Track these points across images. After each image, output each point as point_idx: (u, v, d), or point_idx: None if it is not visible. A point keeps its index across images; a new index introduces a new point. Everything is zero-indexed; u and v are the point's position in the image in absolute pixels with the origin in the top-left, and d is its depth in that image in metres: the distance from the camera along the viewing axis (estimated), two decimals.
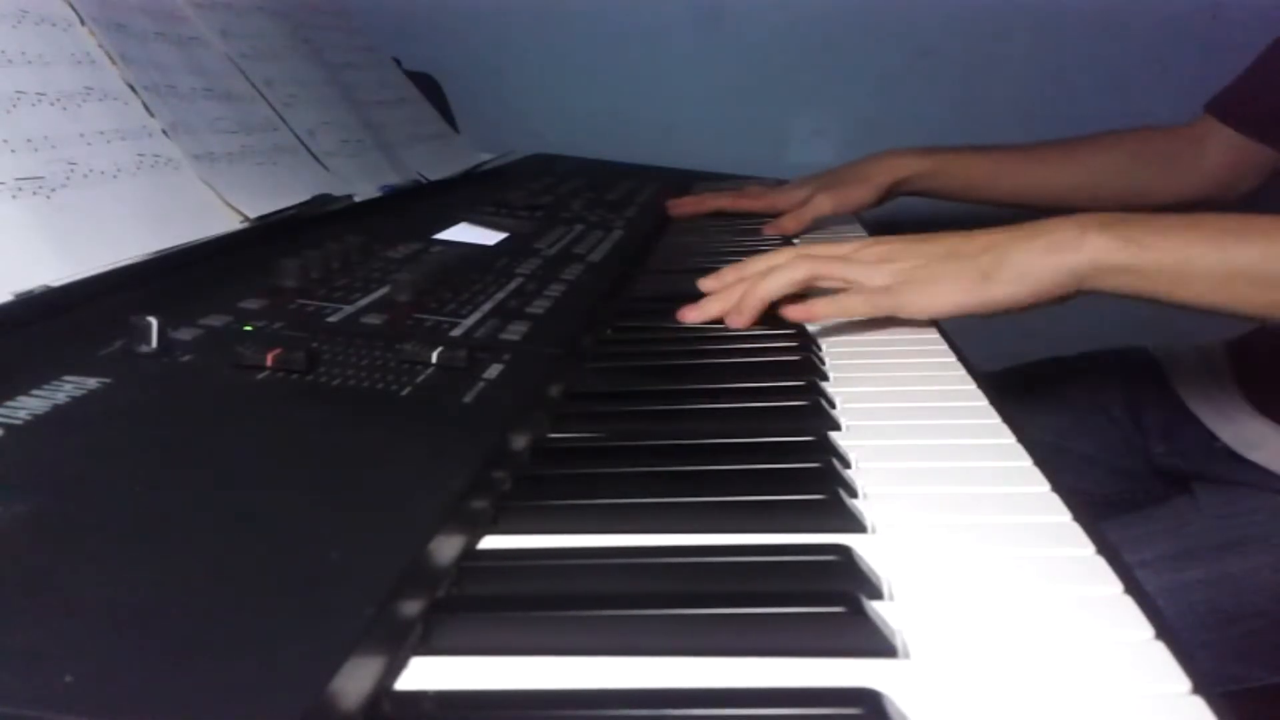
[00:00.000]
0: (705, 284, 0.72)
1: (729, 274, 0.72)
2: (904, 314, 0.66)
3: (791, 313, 0.68)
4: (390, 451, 0.43)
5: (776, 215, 1.07)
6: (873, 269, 0.67)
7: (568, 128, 1.56)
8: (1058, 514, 0.41)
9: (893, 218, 1.12)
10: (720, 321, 0.69)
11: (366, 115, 1.07)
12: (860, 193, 1.07)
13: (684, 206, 1.15)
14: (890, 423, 0.53)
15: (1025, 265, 0.62)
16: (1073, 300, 0.64)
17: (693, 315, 0.70)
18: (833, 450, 0.47)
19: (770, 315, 0.69)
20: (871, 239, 0.70)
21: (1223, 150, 1.04)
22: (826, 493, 0.42)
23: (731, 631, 0.33)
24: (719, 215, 1.14)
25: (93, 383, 0.45)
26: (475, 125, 1.42)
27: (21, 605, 0.29)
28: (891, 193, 1.08)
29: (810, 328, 0.69)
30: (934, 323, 0.68)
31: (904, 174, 1.07)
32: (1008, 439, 0.50)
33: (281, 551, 0.33)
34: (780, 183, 1.27)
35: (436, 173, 1.11)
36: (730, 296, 0.69)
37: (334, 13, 1.16)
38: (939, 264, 0.65)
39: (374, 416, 0.46)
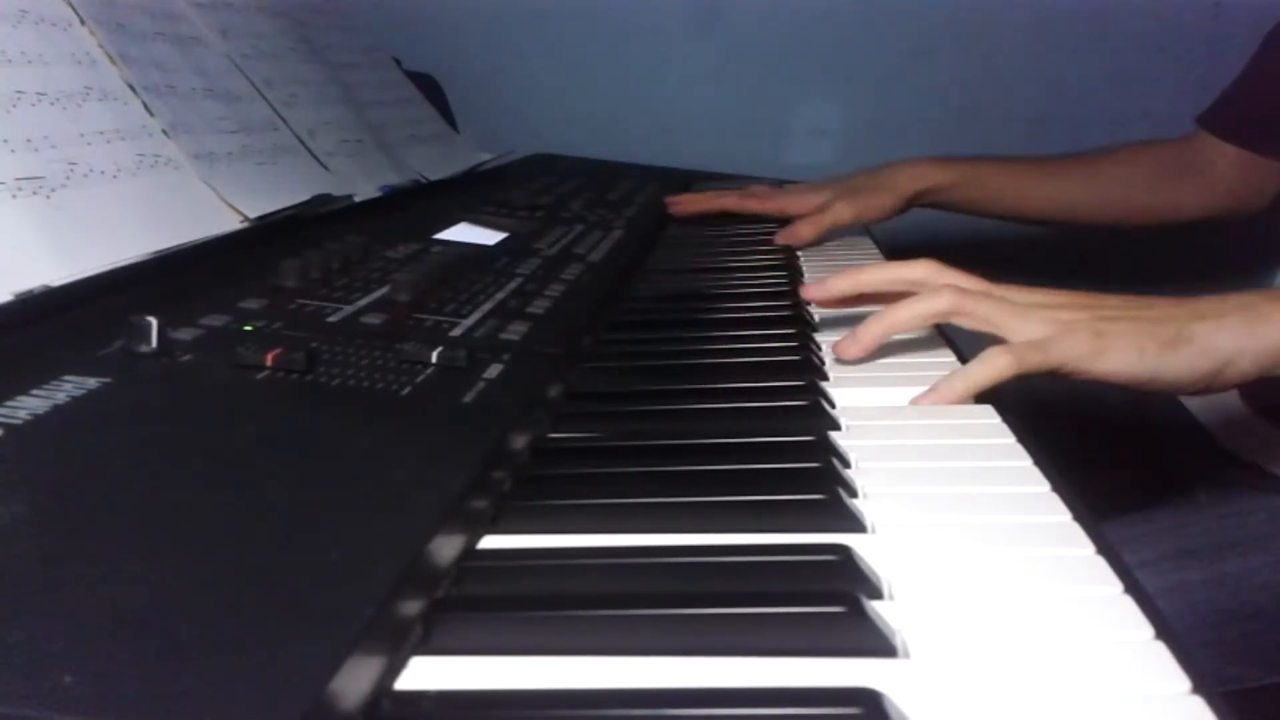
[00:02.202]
0: (813, 292, 0.65)
1: (850, 283, 0.63)
2: (1061, 368, 0.56)
3: (937, 395, 0.55)
4: (390, 451, 0.43)
5: (785, 219, 1.02)
6: (1028, 315, 0.57)
7: (568, 128, 1.56)
8: (1058, 514, 0.41)
9: (893, 227, 1.10)
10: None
11: (366, 115, 1.07)
12: (881, 202, 1.02)
13: (685, 205, 1.10)
14: (890, 423, 0.53)
15: (1213, 341, 0.55)
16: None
17: (815, 293, 0.64)
18: (833, 450, 0.47)
19: (770, 315, 0.69)
20: (1018, 285, 0.60)
21: (1227, 163, 1.04)
22: (826, 493, 0.42)
23: (731, 631, 0.33)
24: (722, 215, 1.10)
25: (93, 383, 0.45)
26: (475, 125, 1.42)
27: (21, 605, 0.29)
28: (912, 203, 1.04)
29: (812, 324, 0.69)
30: (940, 330, 0.67)
31: (928, 184, 1.03)
32: (1008, 439, 0.50)
33: (281, 551, 0.33)
34: (781, 183, 1.26)
35: (436, 173, 1.11)
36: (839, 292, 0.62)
37: (334, 13, 1.16)
38: (1112, 322, 0.56)
39: (374, 416, 0.46)
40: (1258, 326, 0.55)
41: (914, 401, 0.55)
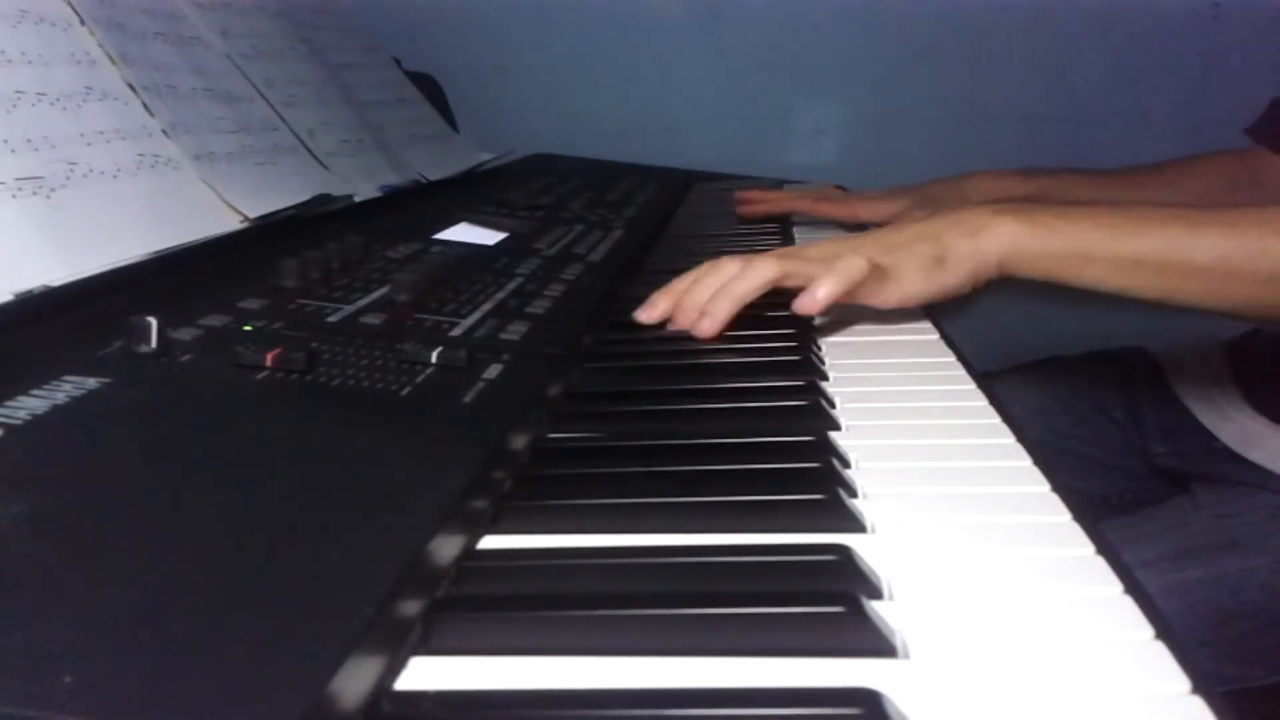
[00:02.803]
0: (653, 310, 0.69)
1: (685, 282, 0.68)
2: (877, 303, 0.66)
3: (800, 304, 0.65)
4: (390, 451, 0.43)
5: (858, 225, 1.03)
6: (831, 266, 0.65)
7: (568, 128, 1.56)
8: (1058, 514, 0.41)
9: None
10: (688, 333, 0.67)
11: (366, 115, 1.07)
12: None
13: (756, 206, 1.11)
14: (890, 423, 0.53)
15: (962, 251, 0.65)
16: (988, 291, 0.66)
17: (644, 315, 0.68)
18: (833, 450, 0.47)
19: (770, 314, 0.69)
20: (811, 243, 0.70)
21: (1278, 175, 1.03)
22: (826, 493, 0.42)
23: (731, 631, 0.33)
24: (722, 216, 1.11)
25: (93, 383, 0.45)
26: (475, 125, 1.43)
27: (21, 605, 0.29)
28: None
29: (812, 324, 0.69)
30: (934, 325, 0.67)
31: (1003, 196, 1.03)
32: (1008, 439, 0.50)
33: (281, 551, 0.33)
34: (781, 184, 1.27)
35: (436, 173, 1.11)
36: (701, 294, 0.66)
37: (334, 13, 1.16)
38: (891, 253, 0.66)
39: (374, 416, 0.46)
40: (980, 237, 0.65)
41: (796, 308, 0.64)
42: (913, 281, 0.66)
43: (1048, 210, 0.65)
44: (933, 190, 1.06)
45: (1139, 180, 1.07)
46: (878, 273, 0.65)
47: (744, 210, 1.10)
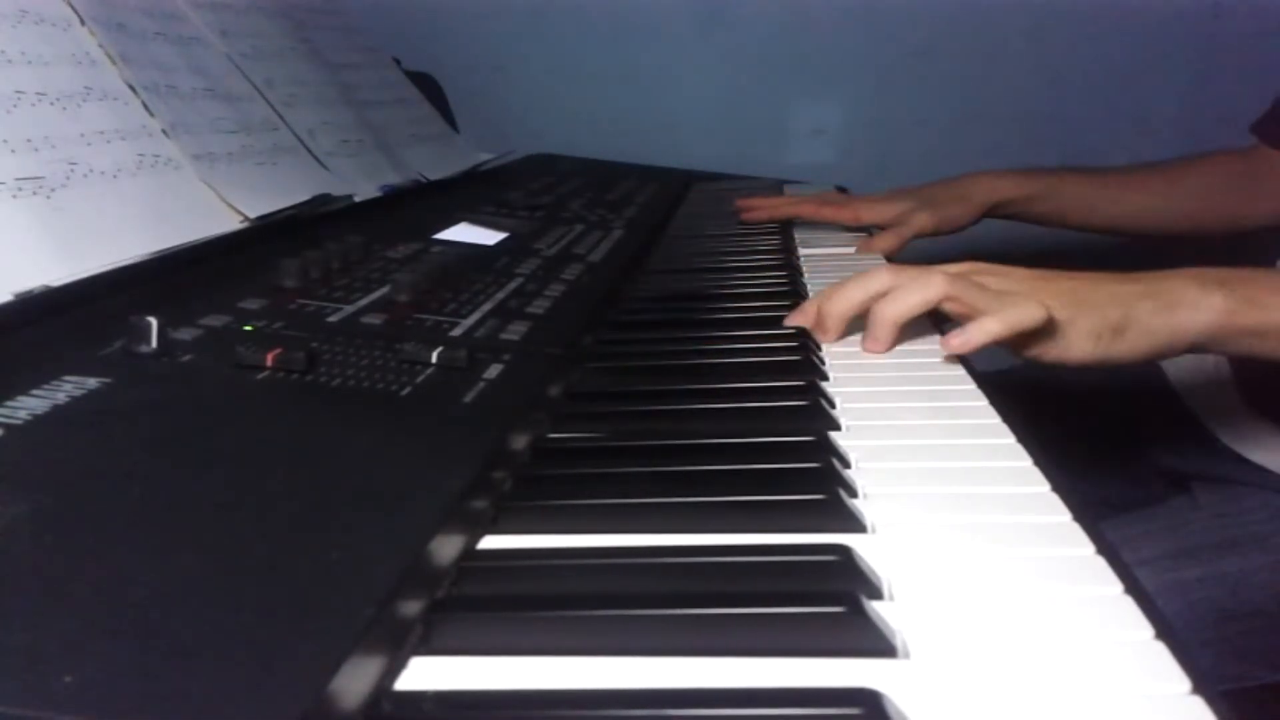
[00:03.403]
0: (802, 316, 0.68)
1: (834, 291, 0.66)
2: (1029, 355, 0.62)
3: (953, 342, 0.60)
4: (390, 451, 0.43)
5: (861, 228, 1.03)
6: (1009, 300, 0.61)
7: (568, 128, 1.56)
8: (1058, 514, 0.41)
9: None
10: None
11: (366, 115, 1.07)
12: (960, 212, 1.03)
13: (759, 211, 1.10)
14: (890, 423, 0.53)
15: (1150, 324, 0.60)
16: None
17: (793, 320, 0.67)
18: (833, 450, 0.47)
19: (770, 315, 0.69)
20: (982, 265, 0.65)
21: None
22: (826, 493, 0.42)
23: (731, 631, 0.33)
24: (722, 217, 1.10)
25: (93, 383, 0.45)
26: (475, 125, 1.43)
27: (21, 605, 0.29)
28: (987, 214, 1.05)
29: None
30: (933, 321, 0.67)
31: (1005, 196, 1.04)
32: (1008, 439, 0.50)
33: (282, 551, 0.33)
34: (781, 185, 1.26)
35: (436, 173, 1.11)
36: (846, 302, 0.65)
37: (334, 13, 1.16)
38: (1072, 310, 0.61)
39: (374, 416, 0.46)
40: (1178, 312, 0.60)
41: (947, 345, 0.60)
42: (1080, 345, 0.61)
43: (1256, 282, 0.61)
44: (934, 192, 1.05)
45: (1141, 179, 1.07)
46: (1048, 325, 0.60)
47: (747, 216, 1.09)
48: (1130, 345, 0.61)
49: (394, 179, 1.02)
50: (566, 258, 0.81)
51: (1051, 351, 0.61)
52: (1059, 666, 0.31)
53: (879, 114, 1.55)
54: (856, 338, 0.68)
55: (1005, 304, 0.60)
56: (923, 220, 1.00)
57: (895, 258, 0.98)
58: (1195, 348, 0.62)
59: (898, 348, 0.65)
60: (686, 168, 1.43)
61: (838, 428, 0.52)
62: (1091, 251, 1.31)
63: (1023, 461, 0.47)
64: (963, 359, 0.62)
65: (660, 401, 0.56)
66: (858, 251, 0.99)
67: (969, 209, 1.03)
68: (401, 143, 1.11)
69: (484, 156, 1.28)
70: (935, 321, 0.69)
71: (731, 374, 0.62)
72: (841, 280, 0.66)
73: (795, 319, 0.68)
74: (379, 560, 0.33)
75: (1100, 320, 0.61)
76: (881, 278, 0.64)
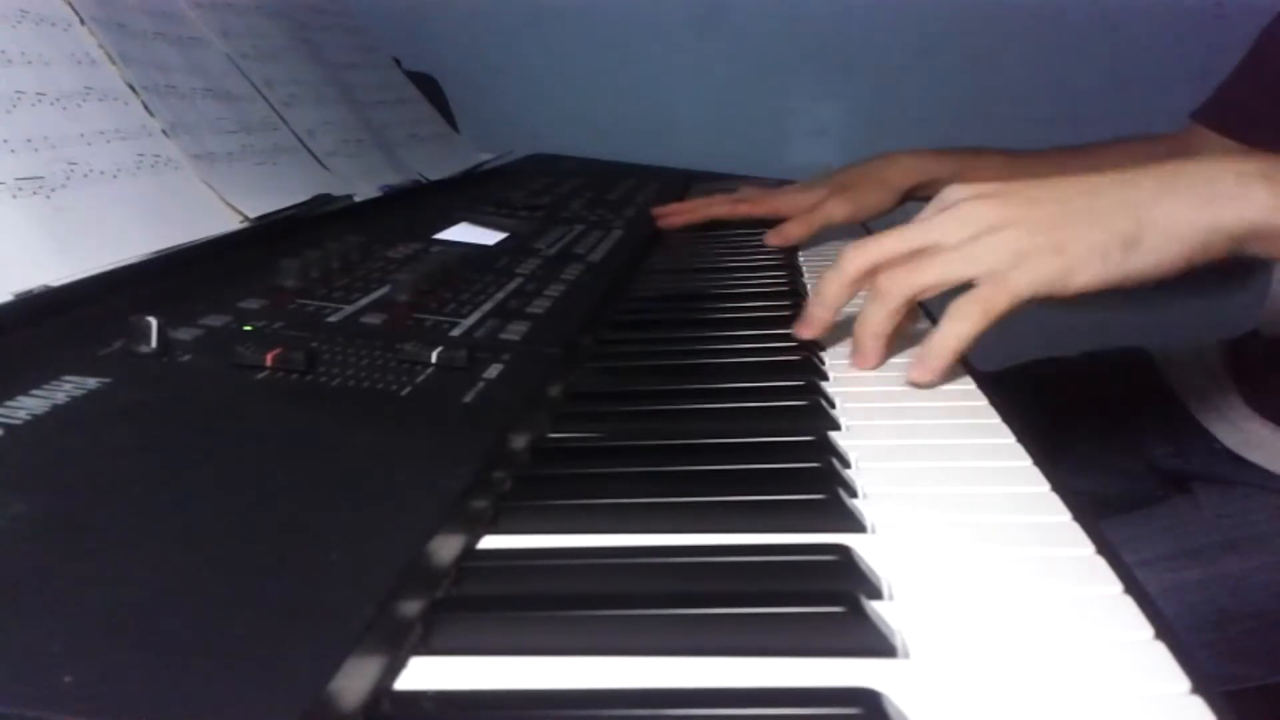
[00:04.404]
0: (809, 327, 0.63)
1: (827, 312, 0.62)
2: (1030, 299, 0.53)
3: (924, 369, 0.55)
4: (390, 451, 0.43)
5: (781, 220, 0.98)
6: (976, 254, 0.53)
7: (568, 128, 1.56)
8: (1058, 514, 0.41)
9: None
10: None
11: (366, 115, 1.07)
12: (878, 197, 0.99)
13: (674, 217, 1.04)
14: (890, 423, 0.53)
15: (1174, 225, 0.51)
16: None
17: (807, 332, 0.63)
18: (833, 450, 0.47)
19: (770, 315, 0.69)
20: (956, 201, 0.56)
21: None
22: (826, 493, 0.42)
23: (731, 631, 0.33)
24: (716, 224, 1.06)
25: (93, 383, 0.45)
26: (475, 125, 1.42)
27: (21, 605, 0.29)
28: (909, 197, 1.01)
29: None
30: (934, 325, 0.66)
31: (924, 177, 1.00)
32: (1008, 439, 0.50)
33: (281, 551, 0.33)
34: (780, 184, 1.26)
35: (436, 173, 1.11)
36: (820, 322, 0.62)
37: (334, 13, 1.16)
38: (1066, 229, 0.52)
39: (374, 416, 0.46)
40: (1209, 207, 0.51)
41: (910, 381, 0.54)
42: (1085, 270, 0.51)
43: None
44: (849, 177, 1.01)
45: (1060, 158, 1.05)
46: (1036, 261, 0.51)
47: (663, 224, 1.04)
48: (1152, 255, 0.51)
49: (394, 179, 1.02)
50: (566, 258, 0.81)
51: (1055, 289, 0.51)
52: (1059, 666, 0.31)
53: (879, 114, 1.55)
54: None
55: (977, 257, 0.52)
56: (833, 208, 0.96)
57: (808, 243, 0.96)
58: (1229, 250, 0.52)
59: (897, 348, 0.64)
60: (686, 168, 1.43)
61: (838, 428, 0.52)
62: None
63: (1023, 461, 0.47)
64: (962, 358, 0.62)
65: (660, 401, 0.56)
66: (767, 241, 0.95)
67: (886, 194, 0.99)
68: (401, 143, 1.11)
69: (484, 156, 1.28)
70: (932, 318, 0.68)
71: (731, 374, 0.62)
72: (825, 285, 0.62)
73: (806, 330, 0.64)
74: (379, 560, 0.33)
75: (1106, 233, 0.51)
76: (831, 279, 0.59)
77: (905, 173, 1.00)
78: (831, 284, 0.61)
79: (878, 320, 0.57)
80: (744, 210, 1.03)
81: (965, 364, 0.62)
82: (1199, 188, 0.51)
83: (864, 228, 1.06)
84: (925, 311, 0.66)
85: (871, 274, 0.59)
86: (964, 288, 0.54)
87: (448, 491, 0.39)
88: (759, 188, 1.09)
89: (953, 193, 0.57)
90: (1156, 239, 0.51)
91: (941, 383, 0.57)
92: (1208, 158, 0.54)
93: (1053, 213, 0.53)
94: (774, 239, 0.96)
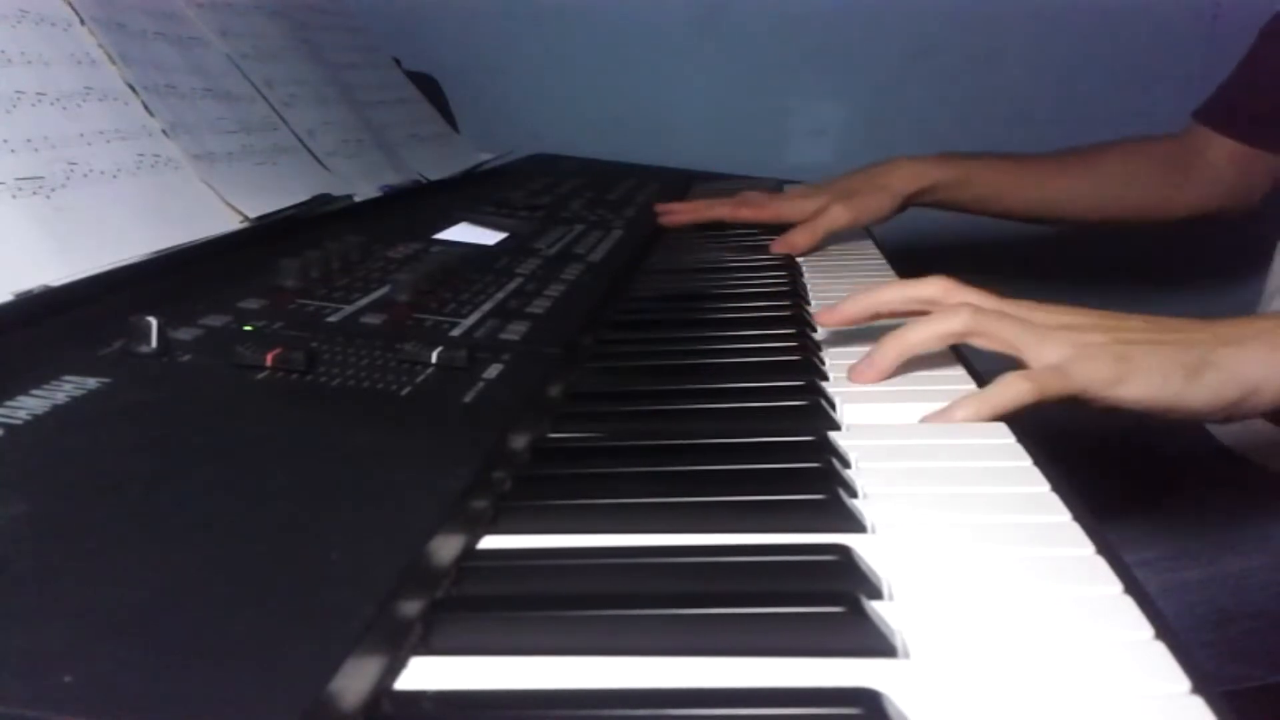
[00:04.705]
0: (827, 318, 0.63)
1: (862, 306, 0.61)
2: (1082, 394, 0.53)
3: (949, 416, 0.53)
4: (390, 451, 0.43)
5: (782, 225, 0.98)
6: (1047, 336, 0.54)
7: (568, 128, 1.56)
8: (1058, 514, 0.41)
9: (892, 226, 1.09)
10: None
11: (366, 115, 1.07)
12: (880, 203, 0.99)
13: (677, 215, 1.05)
14: (890, 423, 0.53)
15: (1238, 368, 0.53)
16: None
17: (830, 319, 0.62)
18: (833, 450, 0.47)
19: (770, 315, 0.69)
20: (1037, 303, 0.58)
21: (1223, 158, 1.04)
22: (826, 493, 0.42)
23: (731, 631, 0.33)
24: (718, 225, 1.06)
25: (93, 383, 0.45)
26: (475, 125, 1.42)
27: (21, 605, 0.29)
28: (909, 203, 1.02)
29: (812, 325, 0.69)
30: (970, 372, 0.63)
31: (926, 183, 1.01)
32: (1008, 439, 0.50)
33: (281, 551, 0.33)
34: (780, 184, 1.26)
35: (436, 173, 1.11)
36: (851, 318, 0.61)
37: (334, 13, 1.16)
38: (1135, 345, 0.53)
39: (374, 416, 0.46)
40: (1275, 356, 0.53)
41: (926, 419, 0.54)
42: (1146, 383, 0.52)
43: None
44: (852, 182, 1.01)
45: (1062, 163, 1.06)
46: (1100, 359, 0.53)
47: (665, 221, 1.05)
48: (1209, 389, 0.52)
49: (394, 179, 1.02)
50: (566, 258, 0.81)
51: (1108, 391, 0.52)
52: (1059, 666, 0.31)
53: (879, 114, 1.55)
54: (858, 340, 0.68)
55: (1045, 341, 0.53)
56: (837, 214, 0.96)
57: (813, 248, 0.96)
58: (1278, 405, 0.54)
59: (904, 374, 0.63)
60: (686, 168, 1.43)
61: (838, 428, 0.52)
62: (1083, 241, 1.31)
63: (1023, 461, 0.47)
64: (963, 359, 0.62)
65: (660, 401, 0.56)
66: (773, 249, 0.95)
67: (888, 199, 0.99)
68: (401, 143, 1.11)
69: (484, 156, 1.28)
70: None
71: (731, 374, 0.62)
72: (885, 288, 0.61)
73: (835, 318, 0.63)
74: (379, 560, 0.33)
75: (1173, 358, 0.53)
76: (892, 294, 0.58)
77: (907, 178, 1.01)
78: (895, 292, 0.61)
79: (924, 338, 0.57)
80: (746, 215, 1.04)
81: (965, 364, 0.62)
82: (1266, 338, 0.54)
83: (867, 232, 1.06)
84: (961, 356, 0.63)
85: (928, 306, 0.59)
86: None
87: (448, 491, 0.39)
88: (761, 192, 1.09)
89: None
90: (1218, 378, 0.53)
91: (948, 380, 0.58)
92: (1267, 317, 0.56)
93: (1132, 328, 0.55)
94: (780, 247, 0.96)
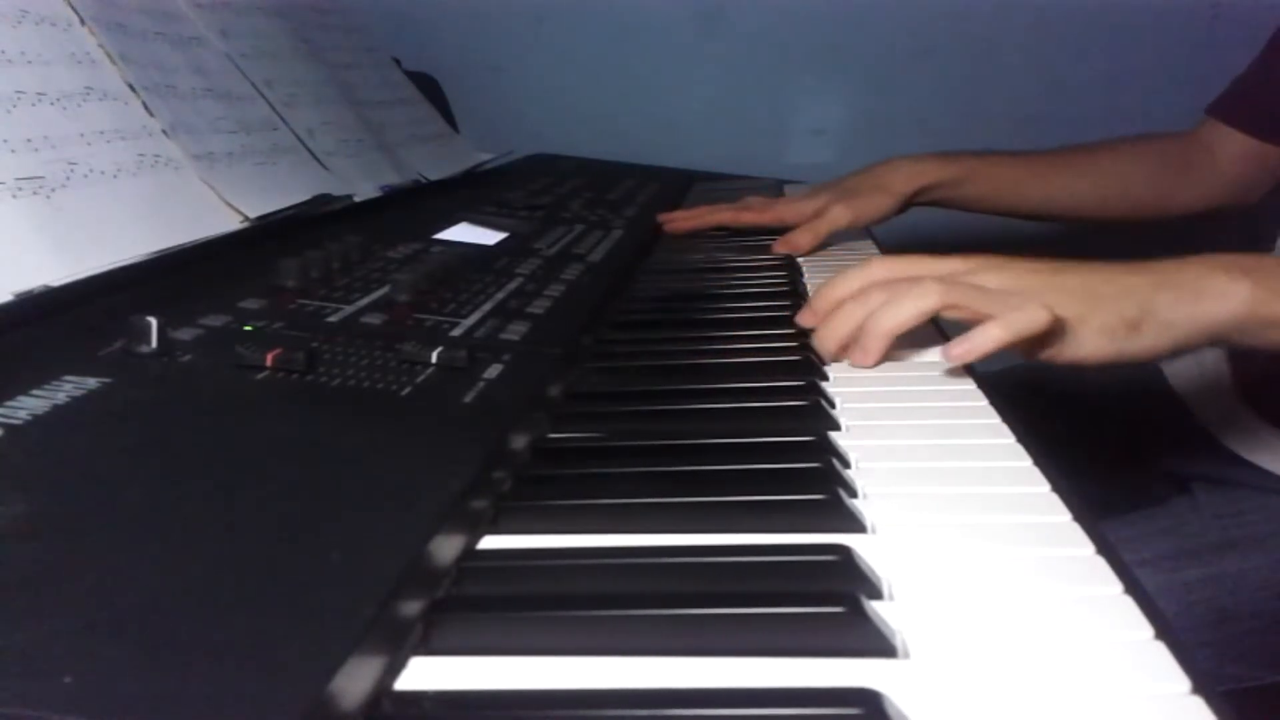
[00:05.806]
0: (804, 318, 0.65)
1: (833, 294, 0.63)
2: (1043, 358, 0.59)
3: (955, 351, 0.57)
4: (390, 451, 0.43)
5: (784, 228, 0.98)
6: (1013, 302, 0.58)
7: (568, 128, 1.56)
8: (1058, 514, 0.41)
9: (893, 226, 1.09)
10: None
11: (366, 115, 1.07)
12: (880, 202, 0.99)
13: (679, 223, 1.05)
14: (890, 423, 0.53)
15: (1171, 316, 0.58)
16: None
17: (808, 319, 0.64)
18: (833, 450, 0.47)
19: (770, 315, 0.69)
20: (984, 259, 0.62)
21: (1233, 153, 1.04)
22: (826, 493, 0.42)
23: (731, 631, 0.33)
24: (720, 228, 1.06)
25: (93, 383, 0.45)
26: (475, 125, 1.43)
27: (21, 605, 0.29)
28: (911, 202, 1.02)
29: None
30: (935, 325, 0.67)
31: (927, 182, 1.01)
32: (1008, 439, 0.50)
33: (281, 551, 0.33)
34: (781, 184, 1.26)
35: (436, 173, 1.11)
36: (843, 325, 0.61)
37: (334, 12, 1.16)
38: (1081, 304, 0.58)
39: (374, 416, 0.46)
40: (1202, 302, 0.58)
41: (950, 351, 0.57)
42: (1093, 343, 0.58)
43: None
44: (853, 182, 1.01)
45: (1065, 159, 1.06)
46: (1056, 325, 0.57)
47: (669, 229, 1.05)
48: (1149, 341, 0.58)
49: (394, 179, 1.02)
50: (566, 258, 0.81)
51: (1064, 352, 0.58)
52: (1059, 666, 0.31)
53: (879, 114, 1.55)
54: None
55: (1009, 306, 0.57)
56: (838, 214, 0.96)
57: (823, 247, 0.97)
58: (1216, 340, 0.60)
59: (897, 348, 0.65)
60: (686, 168, 1.43)
61: (838, 428, 0.52)
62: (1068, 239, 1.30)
63: (1023, 461, 0.47)
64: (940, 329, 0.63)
65: (660, 401, 0.56)
66: (775, 250, 0.95)
67: (889, 198, 1.00)
68: (401, 143, 1.11)
69: (484, 156, 1.28)
70: (934, 322, 0.68)
71: (731, 374, 0.62)
72: (831, 285, 0.63)
73: (804, 319, 0.65)
74: (379, 560, 0.33)
75: (1114, 315, 0.58)
76: (873, 295, 0.61)
77: (907, 178, 1.01)
78: (852, 283, 0.63)
79: (899, 318, 0.59)
80: (748, 219, 1.04)
81: (966, 365, 0.62)
82: (1194, 283, 0.58)
83: (867, 233, 1.06)
84: (939, 329, 0.66)
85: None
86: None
87: (448, 491, 0.39)
88: (761, 196, 1.10)
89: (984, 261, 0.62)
90: (1154, 327, 0.58)
91: (947, 380, 0.59)
92: (1204, 256, 0.60)
93: (1071, 289, 0.59)
94: (782, 247, 0.96)
